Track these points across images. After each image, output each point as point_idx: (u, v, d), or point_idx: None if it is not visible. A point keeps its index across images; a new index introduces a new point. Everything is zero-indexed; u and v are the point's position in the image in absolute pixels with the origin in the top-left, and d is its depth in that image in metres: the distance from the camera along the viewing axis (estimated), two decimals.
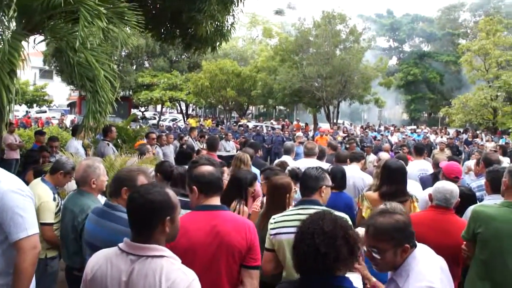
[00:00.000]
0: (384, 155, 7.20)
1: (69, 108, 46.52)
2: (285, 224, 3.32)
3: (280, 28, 39.49)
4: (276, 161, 7.38)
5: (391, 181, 4.28)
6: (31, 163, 6.37)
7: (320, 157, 6.91)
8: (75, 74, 5.88)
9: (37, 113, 39.03)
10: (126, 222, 2.42)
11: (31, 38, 6.26)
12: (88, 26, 5.15)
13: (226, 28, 10.82)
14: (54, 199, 4.32)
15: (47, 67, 38.54)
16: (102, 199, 4.20)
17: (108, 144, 8.80)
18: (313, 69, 27.34)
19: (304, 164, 5.87)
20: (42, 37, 6.45)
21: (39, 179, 4.49)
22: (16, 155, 11.35)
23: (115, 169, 6.19)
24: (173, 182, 4.37)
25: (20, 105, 39.46)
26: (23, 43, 5.81)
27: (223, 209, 2.93)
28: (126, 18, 6.01)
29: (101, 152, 8.59)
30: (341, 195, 4.94)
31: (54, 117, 33.44)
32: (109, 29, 5.79)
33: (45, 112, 39.77)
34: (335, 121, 31.64)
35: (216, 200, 2.92)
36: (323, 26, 28.37)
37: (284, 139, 18.43)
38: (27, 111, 38.47)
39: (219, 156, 8.18)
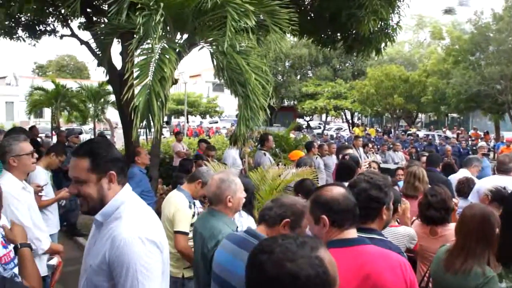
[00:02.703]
0: None
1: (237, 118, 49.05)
2: None
3: (451, 28, 36.12)
4: (458, 176, 5.90)
5: None
6: (184, 171, 6.27)
7: None
8: (226, 79, 5.61)
9: (210, 123, 41.95)
10: None
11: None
12: (236, 26, 4.78)
13: (391, 27, 9.82)
14: (190, 207, 4.01)
15: (218, 81, 41.39)
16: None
17: (265, 154, 8.49)
18: (494, 69, 24.17)
19: (497, 182, 4.60)
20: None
21: (176, 189, 4.23)
22: None
23: (266, 182, 5.73)
24: None
25: (195, 116, 43.02)
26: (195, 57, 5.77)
27: (365, 243, 2.14)
28: (277, 17, 5.53)
29: (257, 162, 8.33)
30: None
31: (224, 127, 35.46)
32: (259, 29, 5.40)
33: (217, 122, 42.56)
34: None
35: (353, 233, 2.14)
36: (507, 17, 24.81)
37: (461, 150, 16.51)
38: (201, 122, 41.63)
39: (385, 169, 7.20)
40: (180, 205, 3.97)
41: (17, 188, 3.39)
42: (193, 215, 4.02)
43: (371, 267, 2.02)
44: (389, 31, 9.87)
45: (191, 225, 3.97)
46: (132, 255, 1.84)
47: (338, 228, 2.10)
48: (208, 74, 49.91)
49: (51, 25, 11.80)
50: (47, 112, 32.65)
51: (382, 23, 9.49)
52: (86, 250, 2.10)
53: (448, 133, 28.44)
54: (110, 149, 2.03)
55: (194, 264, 3.30)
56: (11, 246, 2.61)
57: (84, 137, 19.19)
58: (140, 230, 1.91)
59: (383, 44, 10.22)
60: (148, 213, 2.08)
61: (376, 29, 9.17)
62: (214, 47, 5.49)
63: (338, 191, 2.15)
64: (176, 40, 5.67)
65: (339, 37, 10.47)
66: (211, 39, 5.52)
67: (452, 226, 3.42)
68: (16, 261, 2.60)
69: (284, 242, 1.33)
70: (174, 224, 3.90)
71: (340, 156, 7.65)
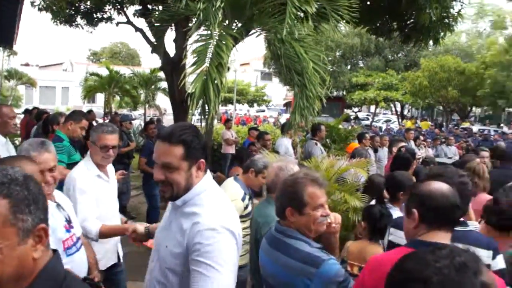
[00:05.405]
0: None
1: (285, 108, 48.97)
2: None
3: None
4: None
5: None
6: (238, 158, 6.23)
7: None
8: (282, 67, 5.52)
9: (256, 112, 41.98)
10: (302, 256, 1.89)
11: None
12: (296, 13, 4.68)
13: (452, 16, 9.39)
14: (243, 199, 3.89)
15: (266, 70, 41.34)
16: None
17: (316, 144, 8.37)
18: None
19: None
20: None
21: (232, 177, 4.15)
22: (232, 150, 11.84)
23: (320, 172, 5.63)
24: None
25: (243, 104, 43.19)
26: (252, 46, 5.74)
27: None
28: (337, 4, 5.38)
29: (308, 151, 8.22)
30: None
31: (271, 116, 35.43)
32: (318, 17, 5.27)
33: (264, 111, 42.55)
34: None
35: (443, 237, 1.94)
36: None
37: None
38: (248, 110, 41.74)
39: (440, 163, 6.93)
40: (233, 196, 3.82)
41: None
42: (245, 207, 3.92)
43: None
44: (449, 20, 9.45)
45: (241, 216, 3.92)
46: (211, 243, 1.82)
47: (426, 225, 1.95)
48: (257, 63, 49.97)
49: (108, 13, 12.09)
50: (99, 97, 33.67)
51: (443, 12, 9.11)
52: (159, 230, 2.11)
53: (505, 129, 27.19)
54: (200, 136, 2.00)
55: (250, 250, 3.27)
56: (74, 230, 2.64)
57: (135, 123, 19.60)
58: (221, 219, 1.89)
59: (441, 34, 9.82)
60: (227, 202, 2.06)
61: (436, 17, 8.81)
62: (272, 34, 5.42)
63: (437, 186, 2.00)
64: (233, 27, 5.63)
65: (395, 26, 10.14)
66: (269, 26, 5.45)
67: None
68: (78, 245, 2.63)
69: (439, 266, 1.09)
70: None
71: (394, 149, 7.45)
